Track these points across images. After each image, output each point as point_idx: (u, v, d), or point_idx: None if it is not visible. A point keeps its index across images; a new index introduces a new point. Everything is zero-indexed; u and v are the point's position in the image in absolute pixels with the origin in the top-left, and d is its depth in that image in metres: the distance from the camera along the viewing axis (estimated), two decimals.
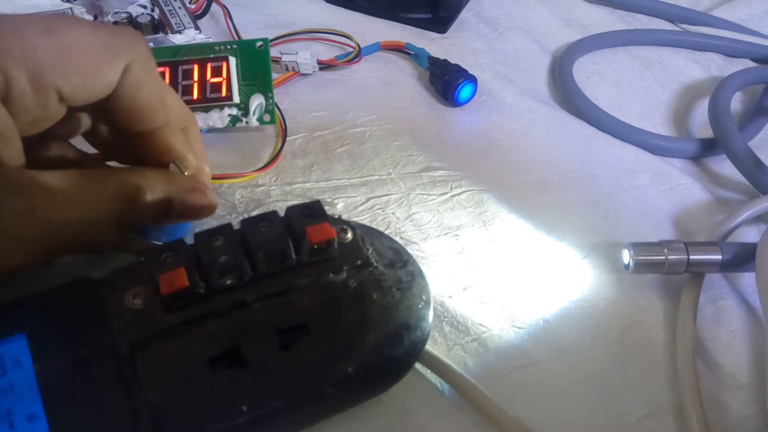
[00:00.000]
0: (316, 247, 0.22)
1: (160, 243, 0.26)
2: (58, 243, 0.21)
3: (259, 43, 0.34)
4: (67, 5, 0.38)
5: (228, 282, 0.22)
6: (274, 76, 0.35)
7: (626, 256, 0.28)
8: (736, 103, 0.41)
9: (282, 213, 0.23)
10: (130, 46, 0.22)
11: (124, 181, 0.22)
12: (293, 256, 0.22)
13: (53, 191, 0.20)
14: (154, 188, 0.23)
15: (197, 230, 0.22)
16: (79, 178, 0.21)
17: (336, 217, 0.26)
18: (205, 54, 0.34)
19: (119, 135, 0.25)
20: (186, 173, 0.25)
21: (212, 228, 0.22)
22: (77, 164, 0.25)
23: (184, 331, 0.21)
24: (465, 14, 0.47)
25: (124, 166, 0.26)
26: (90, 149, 0.27)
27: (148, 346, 0.20)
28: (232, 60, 0.34)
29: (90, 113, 0.25)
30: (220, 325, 0.21)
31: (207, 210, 0.25)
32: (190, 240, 0.22)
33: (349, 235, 0.24)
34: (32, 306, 0.21)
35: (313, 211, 0.23)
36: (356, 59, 0.40)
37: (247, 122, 0.34)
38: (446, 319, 0.27)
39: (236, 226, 0.23)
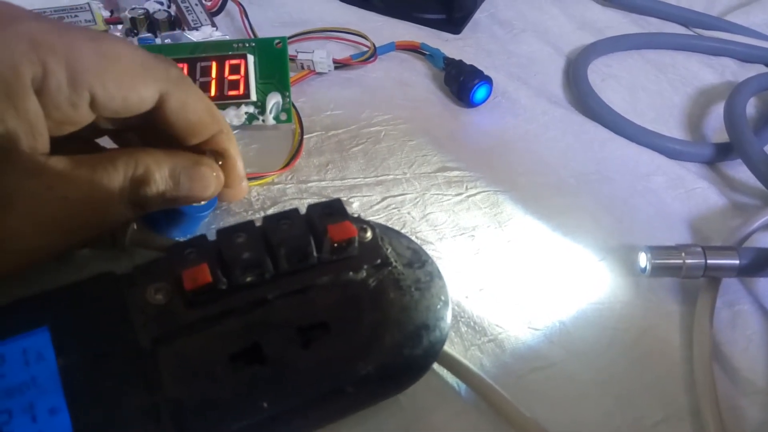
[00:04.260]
0: (336, 245, 0.22)
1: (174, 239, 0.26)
2: (75, 221, 0.22)
3: (277, 42, 0.34)
4: (85, 0, 0.38)
5: (249, 279, 0.22)
6: (290, 74, 0.35)
7: (643, 260, 0.28)
8: (750, 108, 0.40)
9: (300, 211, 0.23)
10: (165, 69, 0.23)
11: (131, 157, 0.23)
12: (314, 254, 0.22)
13: (67, 170, 0.21)
14: (159, 162, 0.23)
15: (214, 227, 0.22)
16: (90, 158, 0.22)
17: (355, 216, 0.26)
18: (223, 51, 0.34)
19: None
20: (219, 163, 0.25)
21: (234, 224, 0.22)
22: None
23: (206, 327, 0.21)
24: (479, 15, 0.47)
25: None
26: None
27: (170, 342, 0.20)
28: (251, 58, 0.34)
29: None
30: (241, 322, 0.21)
31: (212, 184, 0.25)
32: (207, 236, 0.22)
33: (369, 234, 0.24)
34: (55, 300, 0.21)
35: (333, 209, 0.23)
36: (371, 59, 0.40)
37: (263, 120, 0.34)
38: (463, 320, 0.27)
39: (258, 223, 0.23)
